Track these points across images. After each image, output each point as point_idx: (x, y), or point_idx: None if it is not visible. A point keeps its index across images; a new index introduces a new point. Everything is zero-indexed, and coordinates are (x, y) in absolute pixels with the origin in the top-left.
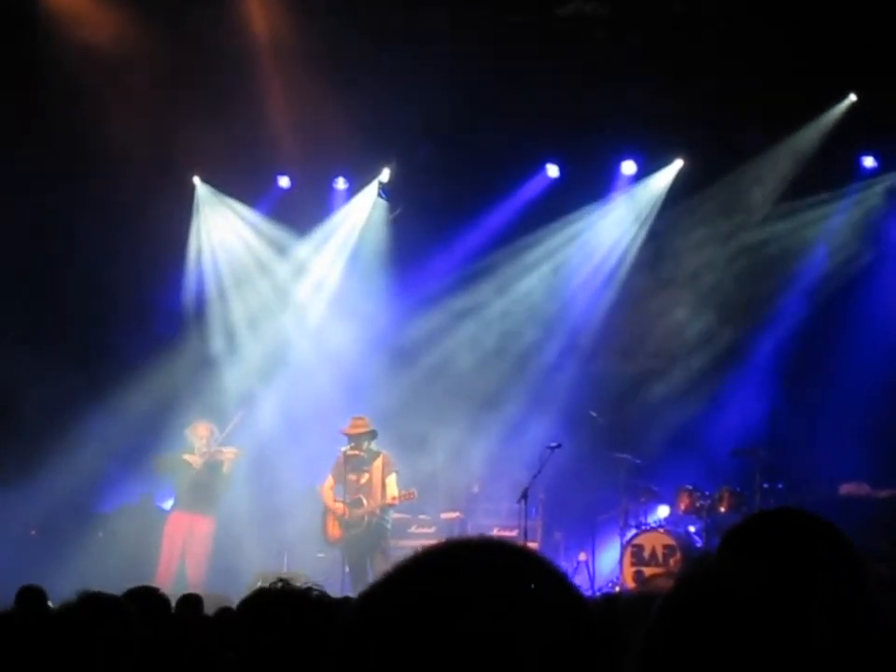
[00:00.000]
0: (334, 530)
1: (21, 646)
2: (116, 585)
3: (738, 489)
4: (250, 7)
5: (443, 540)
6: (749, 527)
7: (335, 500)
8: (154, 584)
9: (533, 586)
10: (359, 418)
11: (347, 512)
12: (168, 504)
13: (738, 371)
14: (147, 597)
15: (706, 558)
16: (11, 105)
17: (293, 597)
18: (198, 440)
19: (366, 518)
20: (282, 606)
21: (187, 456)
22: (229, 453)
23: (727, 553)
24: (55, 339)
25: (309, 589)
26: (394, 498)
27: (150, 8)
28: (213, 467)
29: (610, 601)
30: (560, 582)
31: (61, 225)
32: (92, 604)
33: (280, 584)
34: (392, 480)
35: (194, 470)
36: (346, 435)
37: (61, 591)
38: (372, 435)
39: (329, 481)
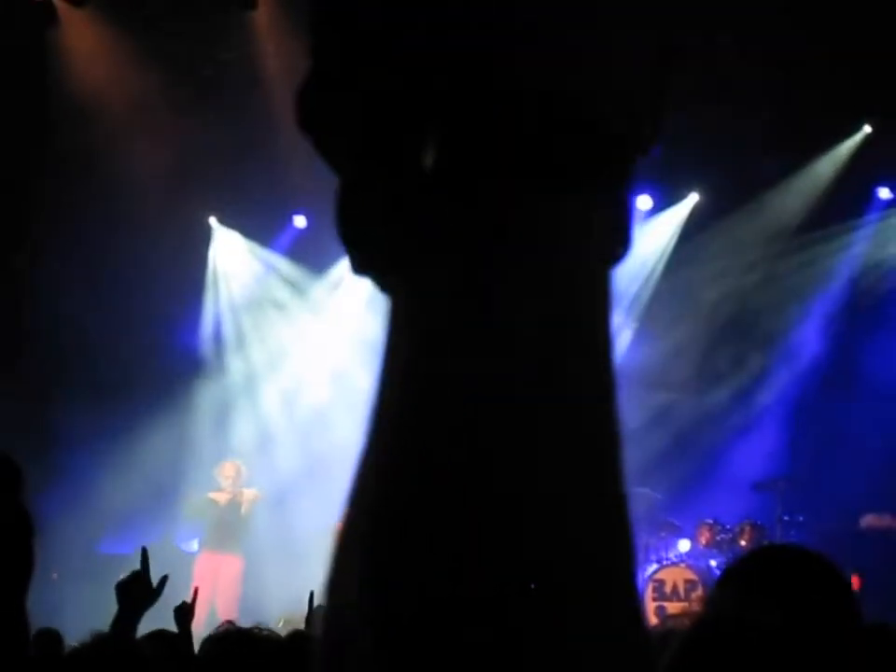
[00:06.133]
0: None
1: None
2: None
3: (759, 522)
4: (265, 45)
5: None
6: (747, 566)
7: None
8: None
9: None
10: None
11: None
12: (193, 545)
13: (758, 403)
14: (166, 639)
15: (718, 598)
16: (26, 149)
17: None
18: (224, 479)
19: None
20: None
21: (212, 495)
22: (249, 494)
23: (726, 589)
24: (69, 380)
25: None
26: None
27: (163, 48)
28: (235, 507)
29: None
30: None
31: (75, 266)
32: (106, 645)
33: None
34: None
35: (220, 509)
36: None
37: (83, 633)
38: None
39: None
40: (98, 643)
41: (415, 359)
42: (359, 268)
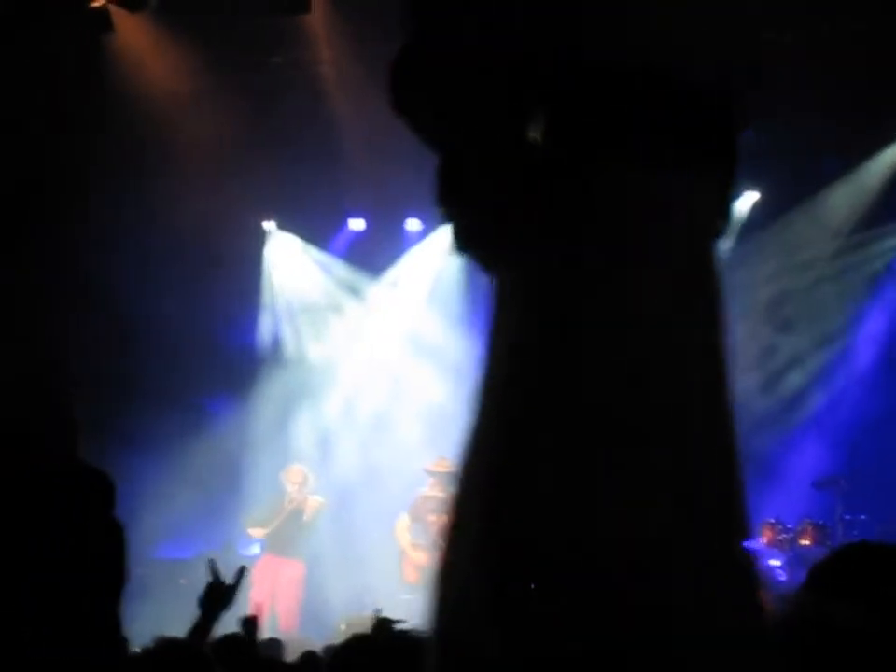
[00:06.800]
0: (411, 572)
1: None
2: None
3: (820, 521)
4: (320, 48)
5: None
6: (833, 563)
7: (414, 545)
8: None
9: None
10: (444, 459)
11: (427, 558)
12: (254, 549)
13: (817, 401)
14: (231, 645)
15: (804, 598)
16: (80, 153)
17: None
18: (291, 484)
19: None
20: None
21: (252, 531)
22: (313, 502)
23: (813, 591)
24: (129, 383)
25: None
26: None
27: (217, 53)
28: (296, 513)
29: None
30: None
31: (132, 270)
32: (169, 650)
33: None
34: None
35: (270, 532)
36: (429, 472)
37: (143, 638)
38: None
39: (405, 521)
40: (164, 648)
41: (525, 345)
42: (461, 246)
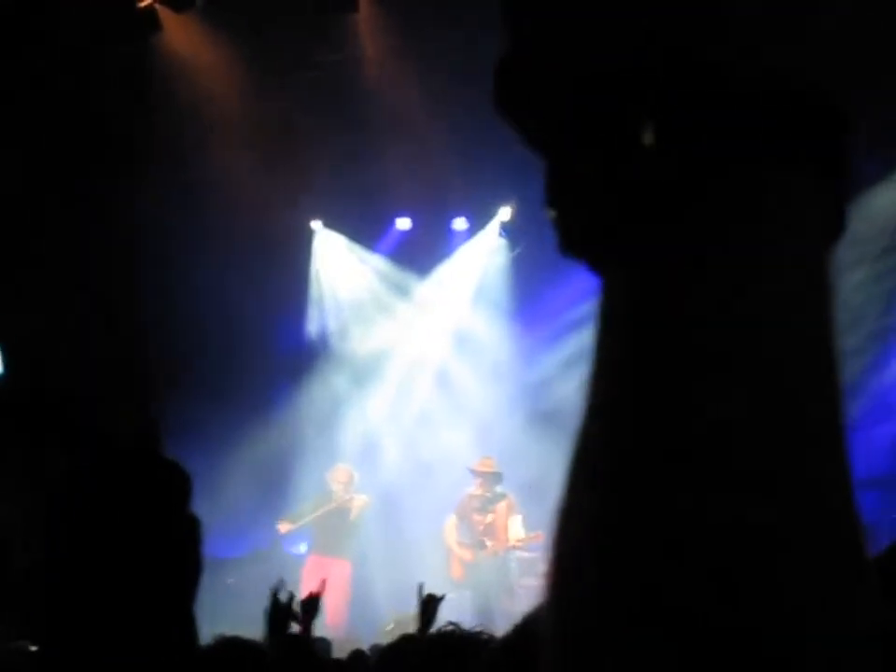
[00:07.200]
0: (458, 571)
1: None
2: (248, 632)
3: (868, 520)
4: (367, 47)
5: None
6: (883, 563)
7: (459, 544)
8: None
9: None
10: (489, 458)
11: (472, 556)
12: (301, 548)
13: (864, 403)
14: (290, 645)
15: None
16: (126, 153)
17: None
18: (336, 484)
19: (490, 560)
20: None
21: (285, 526)
22: (359, 500)
23: None
24: (177, 381)
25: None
26: (519, 541)
27: (265, 52)
28: (342, 512)
29: None
30: None
31: (180, 271)
32: (230, 648)
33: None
34: (516, 521)
35: (321, 520)
36: (473, 472)
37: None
38: (498, 478)
39: (452, 520)
40: (226, 646)
41: (630, 345)
42: (569, 247)
